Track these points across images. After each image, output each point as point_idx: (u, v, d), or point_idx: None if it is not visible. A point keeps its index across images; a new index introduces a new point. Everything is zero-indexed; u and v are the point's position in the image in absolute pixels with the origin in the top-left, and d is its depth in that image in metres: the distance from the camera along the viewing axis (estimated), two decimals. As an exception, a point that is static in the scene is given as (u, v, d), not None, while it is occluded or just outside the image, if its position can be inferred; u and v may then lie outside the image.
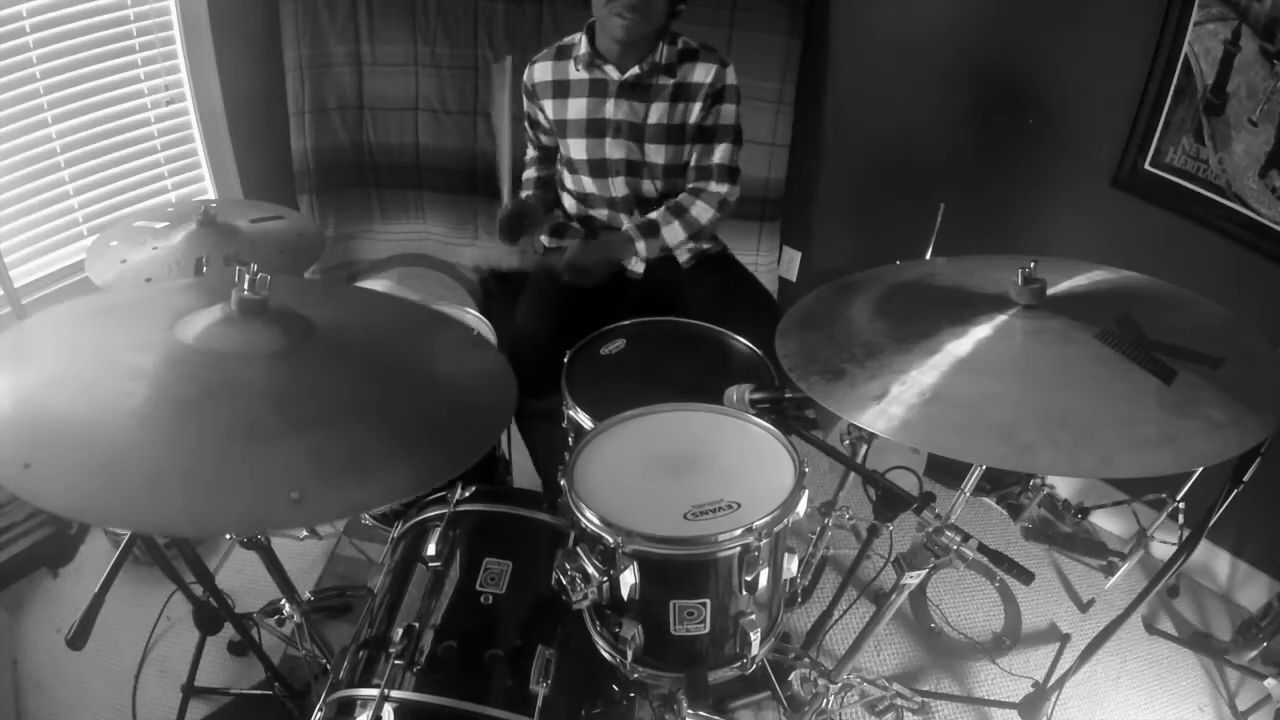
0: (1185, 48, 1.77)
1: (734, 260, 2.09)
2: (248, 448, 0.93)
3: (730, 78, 1.83)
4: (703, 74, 1.80)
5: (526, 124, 2.01)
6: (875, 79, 2.44)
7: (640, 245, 1.84)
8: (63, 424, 0.92)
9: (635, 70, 1.79)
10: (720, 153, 1.86)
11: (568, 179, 2.00)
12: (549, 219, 2.06)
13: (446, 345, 1.34)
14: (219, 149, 2.55)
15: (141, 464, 0.89)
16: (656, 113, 1.83)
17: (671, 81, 1.81)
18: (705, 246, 2.01)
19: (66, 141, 2.22)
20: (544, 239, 2.10)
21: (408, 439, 1.03)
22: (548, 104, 1.89)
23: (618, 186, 1.92)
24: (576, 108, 1.86)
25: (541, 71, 1.88)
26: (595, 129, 1.86)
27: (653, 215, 1.87)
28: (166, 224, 1.65)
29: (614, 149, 1.87)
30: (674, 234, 1.84)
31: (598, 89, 1.83)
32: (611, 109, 1.84)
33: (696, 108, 1.83)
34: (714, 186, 1.87)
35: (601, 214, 2.00)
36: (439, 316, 1.43)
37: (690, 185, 1.90)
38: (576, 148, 1.89)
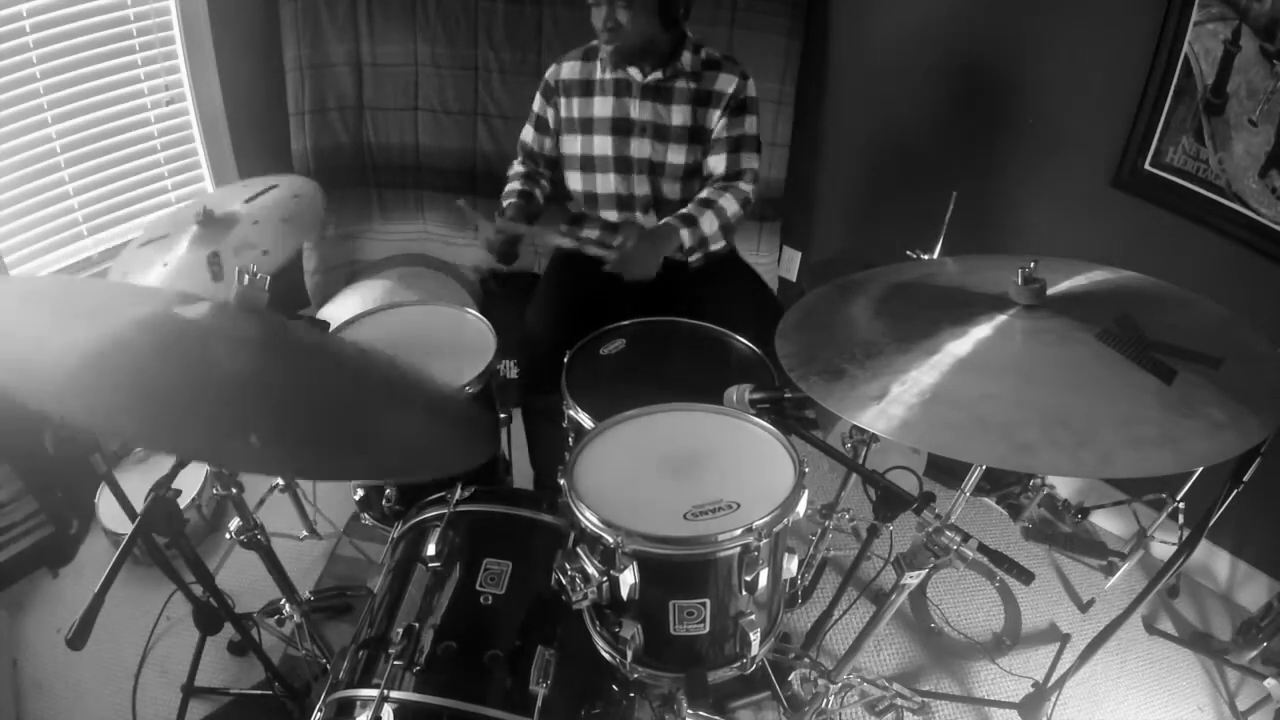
0: (1185, 48, 1.77)
1: (742, 261, 2.12)
2: (223, 389, 1.01)
3: (751, 90, 1.90)
4: (725, 84, 1.87)
5: (531, 127, 2.02)
6: (875, 79, 2.44)
7: (684, 234, 1.84)
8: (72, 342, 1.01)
9: (657, 75, 1.86)
10: (746, 159, 1.93)
11: (578, 180, 2.00)
12: (542, 227, 2.01)
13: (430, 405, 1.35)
14: (219, 149, 2.55)
15: (131, 377, 0.97)
16: (679, 115, 1.90)
17: (694, 86, 1.88)
18: (715, 248, 2.03)
19: (66, 141, 2.22)
20: (562, 229, 2.09)
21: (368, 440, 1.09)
22: (572, 102, 1.92)
23: (641, 185, 1.97)
24: (603, 105, 1.91)
25: (569, 70, 1.93)
26: (621, 127, 1.92)
27: (686, 209, 1.89)
28: (167, 235, 1.64)
29: (639, 148, 1.93)
30: (709, 223, 1.88)
31: (622, 89, 1.90)
32: (636, 109, 1.90)
33: (716, 115, 1.89)
34: (742, 185, 1.93)
35: (611, 215, 2.02)
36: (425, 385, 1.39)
37: (717, 185, 1.93)
38: (601, 144, 1.93)
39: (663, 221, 1.87)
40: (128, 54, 2.27)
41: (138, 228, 1.69)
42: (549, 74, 1.96)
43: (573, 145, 1.96)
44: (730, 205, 1.90)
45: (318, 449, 1.03)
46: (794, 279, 2.87)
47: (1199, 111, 1.80)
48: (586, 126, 1.94)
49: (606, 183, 1.98)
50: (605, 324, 1.77)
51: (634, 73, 1.88)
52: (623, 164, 1.96)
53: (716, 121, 1.90)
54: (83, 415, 0.95)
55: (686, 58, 1.87)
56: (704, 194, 1.92)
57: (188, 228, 1.60)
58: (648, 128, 1.91)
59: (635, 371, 1.65)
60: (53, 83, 2.14)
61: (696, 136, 1.92)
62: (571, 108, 1.93)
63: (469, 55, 2.50)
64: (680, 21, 1.83)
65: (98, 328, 1.05)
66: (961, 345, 1.09)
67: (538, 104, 1.99)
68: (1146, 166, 1.92)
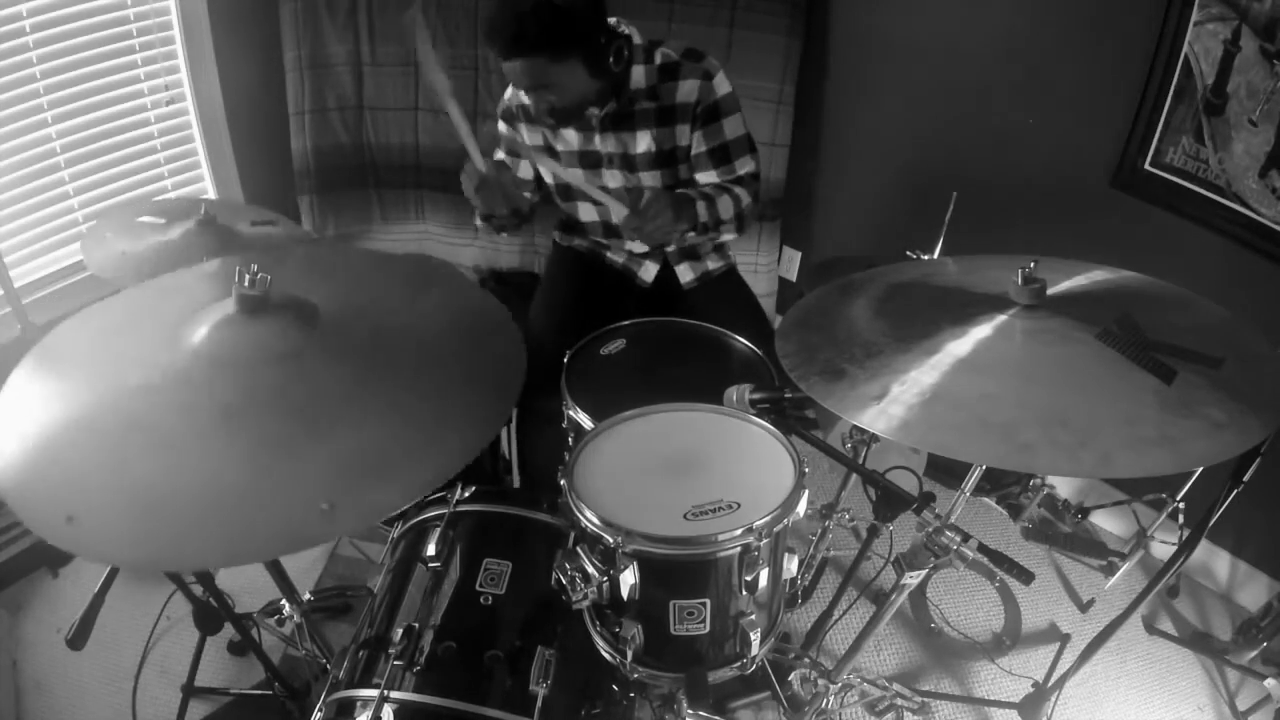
0: (1185, 48, 1.77)
1: (739, 280, 2.06)
2: (273, 463, 0.93)
3: (719, 88, 1.71)
4: (686, 93, 1.69)
5: (504, 153, 1.90)
6: (875, 79, 2.44)
7: (701, 206, 1.67)
8: (94, 466, 0.93)
9: (612, 104, 1.70)
10: (740, 164, 1.78)
11: (562, 205, 1.96)
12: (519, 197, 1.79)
13: (446, 298, 1.31)
14: (219, 149, 2.55)
15: (174, 498, 0.89)
16: (644, 141, 1.75)
17: (654, 105, 1.71)
18: (711, 267, 2.00)
19: (66, 141, 2.22)
20: (556, 235, 2.10)
21: (423, 426, 1.03)
22: (535, 129, 1.83)
23: (619, 212, 1.70)
24: (566, 138, 1.80)
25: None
26: (589, 160, 1.82)
27: (704, 189, 1.75)
28: (165, 220, 1.65)
29: (610, 178, 1.83)
30: (725, 207, 1.71)
31: (583, 122, 1.75)
32: (599, 141, 1.78)
33: (685, 130, 1.74)
34: (749, 184, 1.80)
35: (599, 239, 2.00)
36: (433, 266, 1.38)
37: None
38: (574, 176, 1.77)
39: (680, 190, 1.73)
40: (128, 54, 2.27)
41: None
42: (507, 97, 1.84)
43: (544, 172, 1.88)
44: (744, 196, 1.75)
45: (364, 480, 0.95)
46: (794, 279, 2.87)
47: (1199, 111, 1.80)
48: (552, 155, 1.84)
49: (588, 210, 1.93)
50: (608, 324, 1.75)
51: (590, 110, 1.71)
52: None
53: (690, 136, 1.74)
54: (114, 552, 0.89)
55: (639, 73, 1.69)
56: (717, 181, 1.78)
57: (186, 220, 1.61)
58: (615, 159, 1.79)
59: (635, 371, 1.65)
60: (53, 83, 2.14)
61: (667, 160, 1.77)
62: (536, 135, 1.84)
63: (469, 55, 2.50)
64: (613, 66, 1.62)
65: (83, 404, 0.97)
66: (961, 345, 1.09)
67: (504, 128, 1.87)
68: (1146, 166, 1.92)
